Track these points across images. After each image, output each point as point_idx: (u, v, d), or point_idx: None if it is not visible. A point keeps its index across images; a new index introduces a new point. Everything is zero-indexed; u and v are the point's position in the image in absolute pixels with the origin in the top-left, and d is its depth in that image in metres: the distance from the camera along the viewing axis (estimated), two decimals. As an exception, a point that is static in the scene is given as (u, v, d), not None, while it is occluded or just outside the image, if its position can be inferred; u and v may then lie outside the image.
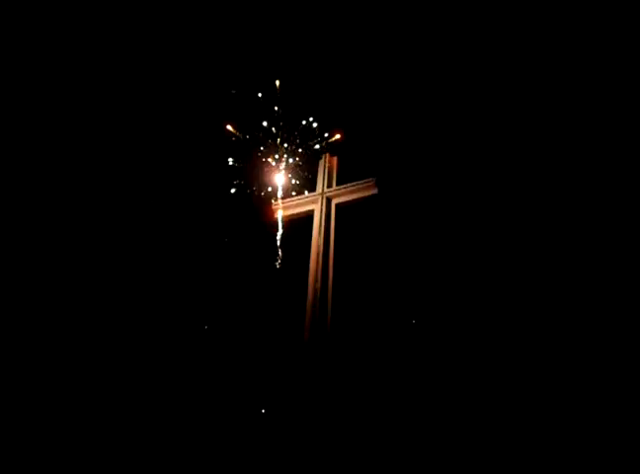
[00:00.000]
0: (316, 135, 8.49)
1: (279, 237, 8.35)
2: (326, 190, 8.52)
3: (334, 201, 8.45)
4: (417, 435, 6.12)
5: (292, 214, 8.60)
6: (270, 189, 8.67)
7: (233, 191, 8.59)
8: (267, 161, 8.63)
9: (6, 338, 7.44)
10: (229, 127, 8.59)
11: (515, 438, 5.97)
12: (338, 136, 8.57)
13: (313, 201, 8.47)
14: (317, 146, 8.54)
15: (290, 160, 8.72)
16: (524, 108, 7.10)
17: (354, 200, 8.42)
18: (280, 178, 8.70)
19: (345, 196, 8.44)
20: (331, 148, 8.67)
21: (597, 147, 6.58)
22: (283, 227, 8.44)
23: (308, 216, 8.52)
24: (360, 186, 8.40)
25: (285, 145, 8.52)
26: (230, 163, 8.52)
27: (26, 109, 8.57)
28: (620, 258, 6.38)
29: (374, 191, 8.27)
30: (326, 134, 8.56)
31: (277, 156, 8.59)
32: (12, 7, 8.20)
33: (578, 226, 6.49)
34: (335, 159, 8.83)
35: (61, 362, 7.51)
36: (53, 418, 6.97)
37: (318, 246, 7.98)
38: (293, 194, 8.76)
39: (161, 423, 6.82)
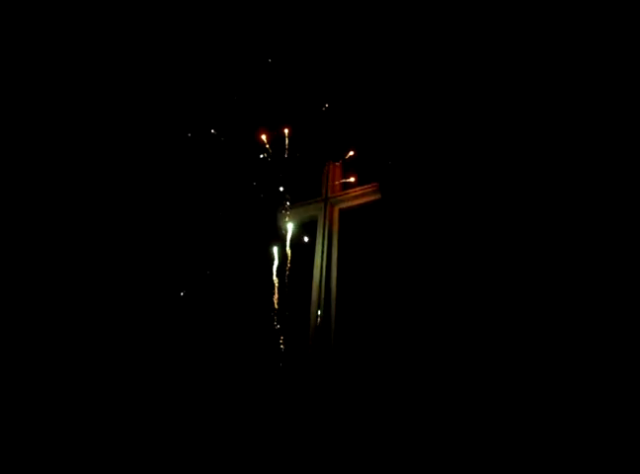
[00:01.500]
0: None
1: (281, 243, 8.37)
2: (329, 195, 8.51)
3: (337, 207, 8.47)
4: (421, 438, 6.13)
5: (296, 219, 8.60)
6: (272, 194, 8.66)
7: (234, 197, 8.60)
8: (270, 168, 8.63)
9: (5, 338, 7.49)
10: None
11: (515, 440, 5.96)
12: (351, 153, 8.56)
13: (316, 207, 8.47)
14: None
15: (293, 167, 8.70)
16: (529, 116, 7.04)
17: (357, 206, 8.42)
18: (282, 184, 8.69)
19: (348, 201, 8.44)
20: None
21: (609, 159, 6.52)
22: (286, 233, 8.45)
23: (311, 222, 8.53)
24: (364, 191, 8.38)
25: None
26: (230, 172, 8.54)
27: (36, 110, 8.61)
28: (620, 264, 6.32)
29: (378, 196, 8.26)
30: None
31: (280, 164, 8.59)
32: (12, 6, 8.20)
33: (585, 242, 6.44)
34: (338, 164, 8.80)
35: (60, 362, 7.55)
36: (53, 417, 7.01)
37: (322, 252, 8.01)
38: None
39: (158, 429, 6.85)
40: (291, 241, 8.51)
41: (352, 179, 8.48)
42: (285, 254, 8.31)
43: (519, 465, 5.66)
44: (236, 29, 8.65)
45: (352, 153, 8.60)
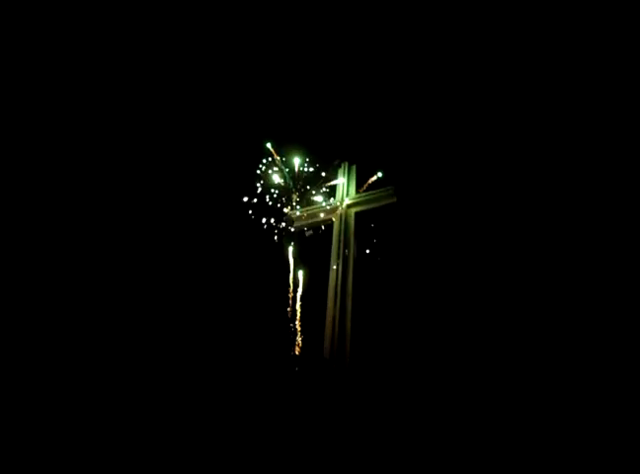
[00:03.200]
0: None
1: (298, 246, 8.47)
2: (345, 198, 8.59)
3: (353, 210, 8.53)
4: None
5: (312, 223, 8.68)
6: (288, 198, 8.77)
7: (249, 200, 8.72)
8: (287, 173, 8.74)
9: (7, 338, 7.50)
10: None
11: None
12: None
13: (333, 210, 8.54)
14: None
15: (311, 170, 8.82)
16: (544, 118, 7.17)
17: (373, 209, 8.49)
18: (299, 187, 8.81)
19: (364, 204, 8.51)
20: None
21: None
22: (302, 236, 8.55)
23: (328, 225, 8.61)
24: (379, 194, 8.46)
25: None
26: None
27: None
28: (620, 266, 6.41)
29: (393, 199, 8.35)
30: None
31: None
32: (13, 6, 8.22)
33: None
34: (354, 167, 8.89)
35: (62, 361, 7.54)
36: (53, 416, 6.99)
37: (337, 253, 8.08)
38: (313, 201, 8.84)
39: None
40: (308, 244, 8.61)
41: (368, 182, 8.59)
42: (302, 256, 8.41)
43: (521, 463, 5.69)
44: (247, 36, 8.77)
45: (368, 156, 8.70)
